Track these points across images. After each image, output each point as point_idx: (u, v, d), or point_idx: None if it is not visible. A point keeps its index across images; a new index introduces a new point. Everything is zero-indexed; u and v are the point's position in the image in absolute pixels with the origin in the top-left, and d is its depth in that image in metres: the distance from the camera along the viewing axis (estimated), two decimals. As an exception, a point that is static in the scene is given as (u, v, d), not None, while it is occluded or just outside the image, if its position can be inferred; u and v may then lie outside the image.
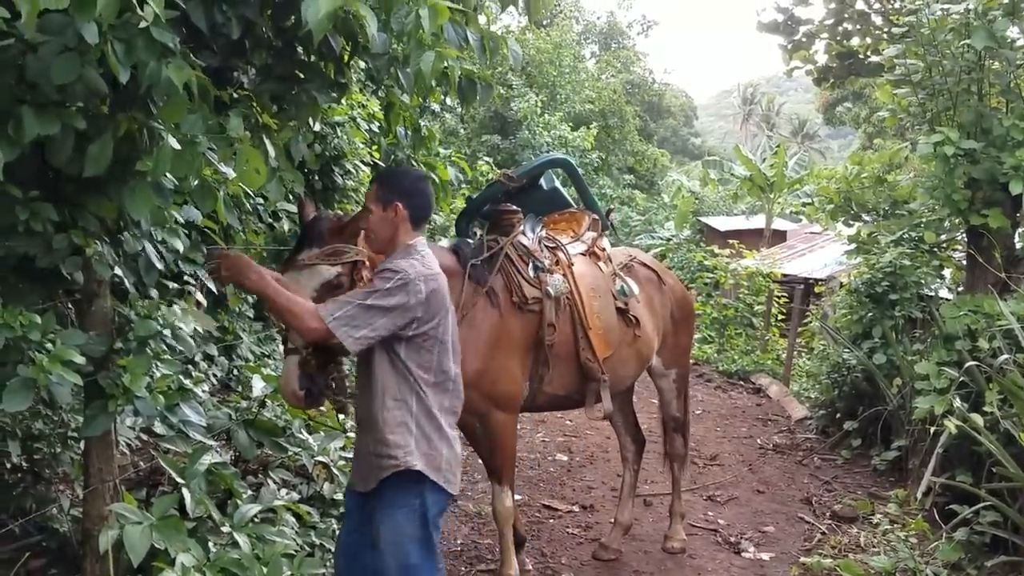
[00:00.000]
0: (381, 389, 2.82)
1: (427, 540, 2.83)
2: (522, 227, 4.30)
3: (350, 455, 4.84)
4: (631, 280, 4.67)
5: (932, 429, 5.35)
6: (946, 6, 6.13)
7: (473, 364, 3.85)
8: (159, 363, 2.86)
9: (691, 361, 12.99)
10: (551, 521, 5.71)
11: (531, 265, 4.15)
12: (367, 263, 3.02)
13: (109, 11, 2.00)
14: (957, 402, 5.06)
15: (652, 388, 5.65)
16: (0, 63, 2.20)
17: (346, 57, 3.16)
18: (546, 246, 4.37)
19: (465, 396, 3.87)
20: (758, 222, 22.21)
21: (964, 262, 7.24)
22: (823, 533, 5.63)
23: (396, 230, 2.89)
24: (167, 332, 2.84)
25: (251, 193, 3.34)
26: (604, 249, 4.72)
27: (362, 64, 3.67)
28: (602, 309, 4.39)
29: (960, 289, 7.34)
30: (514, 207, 4.33)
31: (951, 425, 4.74)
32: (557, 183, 4.91)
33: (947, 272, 7.90)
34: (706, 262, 15.24)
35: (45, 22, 2.12)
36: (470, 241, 4.20)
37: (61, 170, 2.44)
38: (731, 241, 16.12)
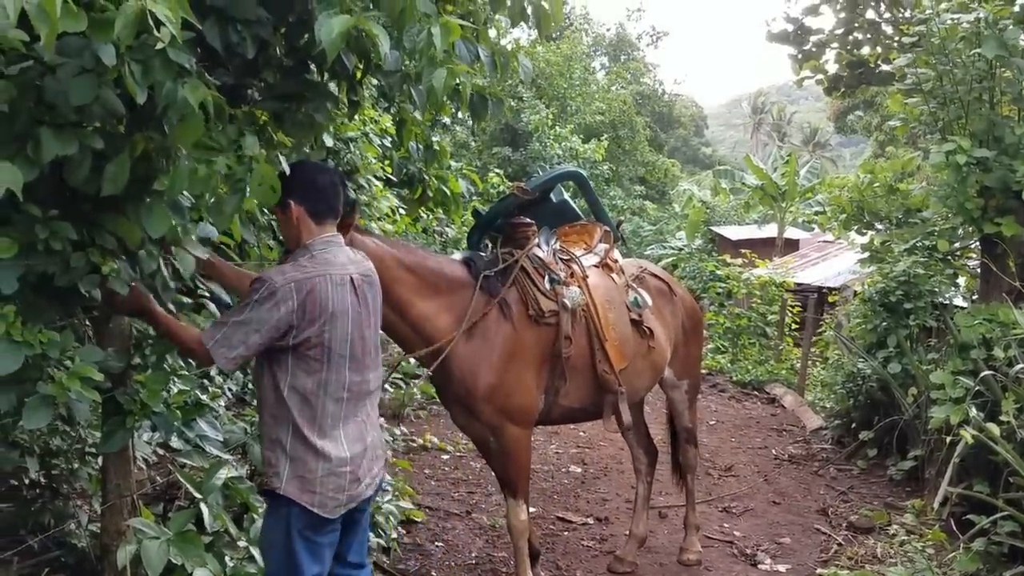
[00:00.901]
0: (261, 403, 2.74)
1: (288, 548, 2.69)
2: (537, 240, 4.30)
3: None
4: (644, 291, 4.68)
5: (948, 439, 5.31)
6: (956, 15, 6.13)
7: (486, 378, 3.86)
8: (176, 378, 2.88)
9: (705, 371, 13.06)
10: (566, 533, 5.70)
11: (547, 278, 4.15)
12: None
13: (127, 33, 2.03)
14: (973, 411, 5.03)
15: (656, 400, 5.64)
16: (19, 85, 2.23)
17: (359, 75, 3.19)
18: (561, 258, 4.38)
19: (478, 409, 3.90)
20: (770, 231, 22.17)
21: (978, 270, 7.21)
22: (840, 544, 5.60)
23: (299, 230, 2.76)
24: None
25: (266, 209, 3.37)
26: (616, 261, 4.73)
27: (374, 81, 3.69)
28: (617, 321, 4.39)
29: (975, 298, 7.31)
30: (528, 220, 4.34)
31: (967, 435, 4.72)
32: (566, 195, 4.93)
33: (961, 280, 7.88)
34: (718, 271, 15.21)
35: (63, 44, 2.15)
36: (483, 254, 4.22)
37: (78, 189, 2.47)
38: (743, 250, 16.09)
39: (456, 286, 3.87)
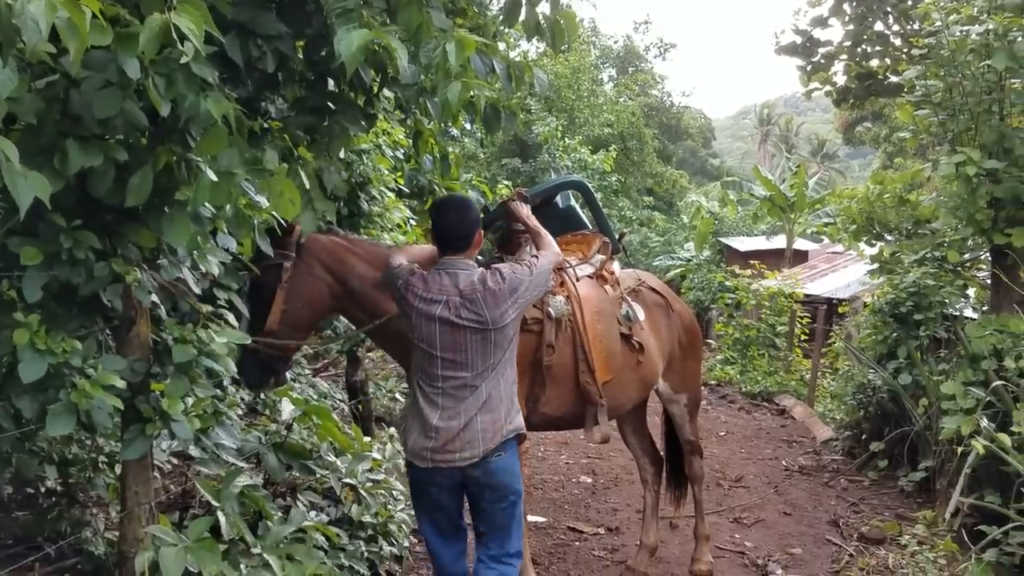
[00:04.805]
0: None
1: (412, 496, 3.48)
2: (529, 247, 4.29)
3: (378, 477, 4.89)
4: (637, 305, 4.61)
5: (959, 449, 5.33)
6: (966, 28, 6.16)
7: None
8: (195, 387, 2.92)
9: (714, 382, 13.05)
10: (576, 544, 5.71)
11: None
12: (287, 264, 3.55)
13: (151, 47, 2.08)
14: (984, 422, 5.04)
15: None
16: (45, 98, 2.28)
17: (375, 88, 3.23)
18: None
19: None
20: (779, 242, 22.14)
21: (988, 281, 7.22)
22: (851, 555, 5.59)
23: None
24: (201, 356, 2.90)
25: (282, 221, 3.42)
26: (613, 273, 4.68)
27: (388, 94, 3.74)
28: (605, 333, 4.34)
29: (985, 308, 7.31)
30: (521, 227, 4.32)
31: (979, 445, 4.73)
32: (574, 202, 4.91)
33: (971, 291, 7.87)
34: (727, 283, 15.21)
35: (88, 58, 2.20)
36: (480, 258, 4.21)
37: (102, 200, 2.52)
38: (752, 261, 16.08)
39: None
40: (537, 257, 3.46)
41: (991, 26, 5.91)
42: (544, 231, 3.82)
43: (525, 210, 3.96)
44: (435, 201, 3.38)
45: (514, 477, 3.36)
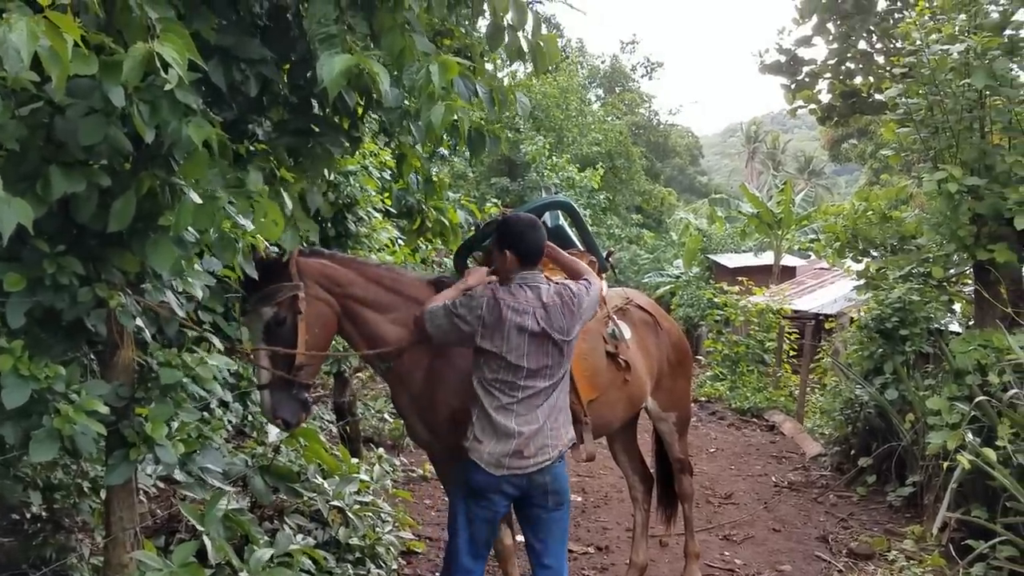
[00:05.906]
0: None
1: (462, 502, 3.43)
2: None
3: (365, 499, 4.87)
4: (624, 324, 4.60)
5: (946, 464, 5.34)
6: (946, 47, 6.23)
7: (447, 399, 3.80)
8: (179, 411, 2.92)
9: (704, 398, 13.06)
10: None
11: None
12: (302, 294, 3.49)
13: (134, 75, 2.10)
14: (969, 437, 5.06)
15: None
16: (29, 124, 2.29)
17: (360, 111, 3.25)
18: None
19: (442, 431, 3.88)
20: (767, 259, 22.23)
21: (973, 296, 7.27)
22: (840, 571, 5.59)
23: (508, 268, 3.45)
24: (187, 380, 2.90)
25: (267, 242, 3.43)
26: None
27: (374, 116, 3.77)
28: (590, 352, 4.32)
29: (970, 323, 7.36)
30: None
31: (964, 460, 4.75)
32: (563, 222, 4.93)
33: (957, 307, 7.92)
34: (716, 299, 15.26)
35: (73, 85, 2.21)
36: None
37: (85, 225, 2.52)
38: (740, 278, 16.14)
39: (414, 304, 3.78)
40: (588, 281, 3.59)
41: (971, 45, 5.99)
42: (577, 260, 3.88)
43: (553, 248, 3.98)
44: (508, 221, 3.48)
45: (567, 483, 3.51)
